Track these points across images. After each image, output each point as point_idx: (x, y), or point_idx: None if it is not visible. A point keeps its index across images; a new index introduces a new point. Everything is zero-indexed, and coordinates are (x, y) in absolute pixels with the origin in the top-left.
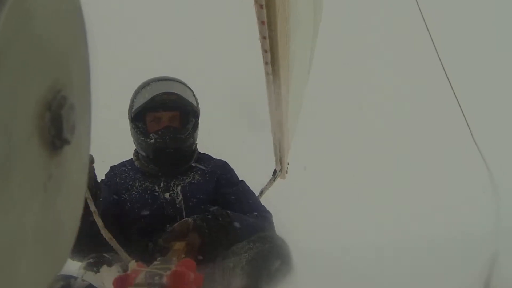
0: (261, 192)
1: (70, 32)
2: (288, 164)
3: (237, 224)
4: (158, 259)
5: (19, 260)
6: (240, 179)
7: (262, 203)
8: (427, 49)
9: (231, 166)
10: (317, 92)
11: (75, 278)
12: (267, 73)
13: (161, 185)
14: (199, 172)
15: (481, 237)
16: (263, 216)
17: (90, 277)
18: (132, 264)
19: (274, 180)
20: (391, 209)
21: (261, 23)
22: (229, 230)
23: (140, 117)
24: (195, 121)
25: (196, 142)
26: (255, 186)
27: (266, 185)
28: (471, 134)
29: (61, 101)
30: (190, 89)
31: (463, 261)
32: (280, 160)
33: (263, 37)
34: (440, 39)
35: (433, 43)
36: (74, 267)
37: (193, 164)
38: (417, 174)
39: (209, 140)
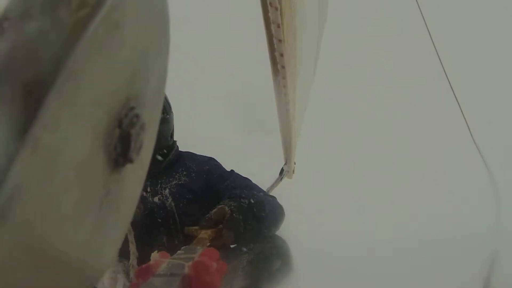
0: (267, 192)
1: (155, 44)
2: (295, 163)
3: (267, 212)
4: (182, 248)
5: (60, 276)
6: (229, 169)
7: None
8: (428, 49)
9: (226, 165)
10: (317, 92)
11: None
12: (274, 72)
13: (148, 189)
14: (184, 173)
15: (481, 237)
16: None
17: None
18: (155, 255)
19: (281, 179)
20: (391, 209)
21: (277, 26)
22: (263, 221)
23: None
24: (163, 116)
25: (175, 140)
26: (262, 185)
27: (272, 184)
28: (471, 134)
29: (133, 120)
30: None
31: (463, 261)
32: (287, 160)
33: (278, 40)
34: (441, 39)
35: (433, 44)
36: None
37: (171, 159)
38: (417, 174)
39: (212, 140)
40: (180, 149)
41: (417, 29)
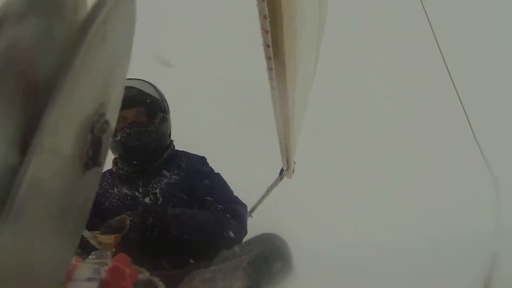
0: (267, 192)
1: (124, 54)
2: (295, 163)
3: (178, 224)
4: (93, 253)
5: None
6: (215, 172)
7: (263, 202)
8: (430, 49)
9: (227, 165)
10: (317, 91)
11: None
12: (269, 69)
13: (140, 190)
14: (175, 171)
15: (481, 237)
16: (229, 208)
17: None
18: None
19: (281, 179)
20: (391, 209)
21: (266, 25)
22: (166, 231)
23: None
24: (162, 116)
25: (172, 139)
26: (260, 186)
27: (272, 185)
28: (473, 134)
29: (103, 126)
30: (152, 85)
31: (463, 261)
32: (287, 159)
33: (265, 31)
34: (444, 38)
35: (437, 43)
36: None
37: (166, 158)
38: (417, 174)
39: (211, 141)
40: (176, 149)
41: (419, 28)
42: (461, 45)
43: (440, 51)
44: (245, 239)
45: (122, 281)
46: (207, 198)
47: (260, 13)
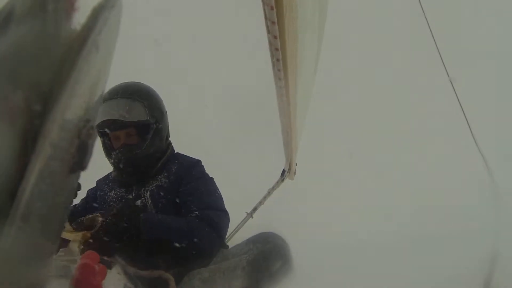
0: (269, 193)
1: (108, 61)
2: (296, 164)
3: (148, 228)
4: (61, 250)
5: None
6: (209, 177)
7: (263, 204)
8: (430, 48)
9: (228, 167)
10: (316, 91)
11: None
12: (275, 74)
13: (133, 194)
14: (165, 174)
15: (481, 236)
16: (205, 215)
17: None
18: None
19: (282, 180)
20: (391, 208)
21: (271, 23)
22: (137, 233)
23: (103, 133)
24: (155, 128)
25: (170, 142)
26: (261, 187)
27: (273, 186)
28: (471, 133)
29: (89, 131)
30: (139, 99)
31: (464, 260)
32: (289, 160)
33: (273, 37)
34: (442, 37)
35: (436, 44)
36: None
37: (160, 166)
38: (417, 172)
39: (213, 142)
40: (176, 151)
41: (417, 27)
42: (462, 44)
43: (439, 51)
44: (244, 238)
45: (92, 278)
46: (188, 202)
47: (267, 18)
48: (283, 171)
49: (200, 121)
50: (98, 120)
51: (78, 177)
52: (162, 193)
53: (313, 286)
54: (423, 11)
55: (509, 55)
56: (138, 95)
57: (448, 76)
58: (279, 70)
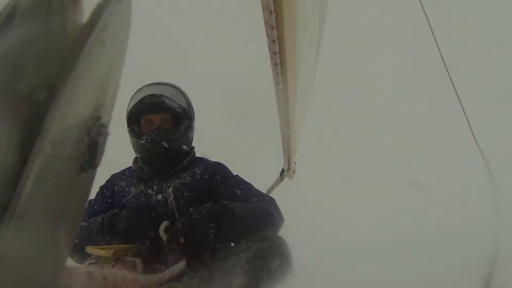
0: (268, 192)
1: (119, 58)
2: (295, 164)
3: (232, 217)
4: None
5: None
6: (234, 174)
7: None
8: (430, 48)
9: (228, 166)
10: (316, 91)
11: None
12: (275, 74)
13: (155, 188)
14: (190, 174)
15: (481, 236)
16: (264, 199)
17: None
18: None
19: (282, 179)
20: (391, 209)
21: (270, 27)
22: (221, 227)
23: (134, 121)
24: (188, 123)
25: (193, 146)
26: (261, 187)
27: (273, 185)
28: (472, 133)
29: (100, 129)
30: (181, 92)
31: (463, 260)
32: (288, 160)
33: (272, 41)
34: (443, 37)
35: (436, 43)
36: None
37: (185, 164)
38: (417, 172)
39: (212, 141)
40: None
41: (417, 26)
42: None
43: (439, 51)
44: None
45: None
46: (236, 198)
47: (266, 22)
48: (282, 170)
49: (199, 120)
50: (135, 100)
51: (92, 175)
52: (185, 191)
53: (312, 285)
54: (424, 11)
55: (510, 55)
56: (179, 87)
57: (449, 75)
58: (277, 74)
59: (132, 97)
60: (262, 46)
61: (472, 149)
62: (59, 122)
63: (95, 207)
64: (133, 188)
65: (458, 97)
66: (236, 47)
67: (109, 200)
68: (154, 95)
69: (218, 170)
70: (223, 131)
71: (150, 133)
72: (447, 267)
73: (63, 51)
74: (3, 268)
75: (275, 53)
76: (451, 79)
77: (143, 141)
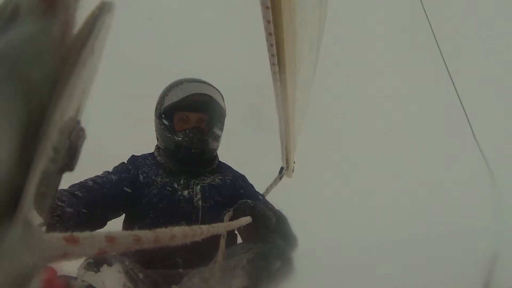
0: (267, 190)
1: (97, 65)
2: (294, 162)
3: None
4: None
5: None
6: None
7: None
8: (430, 48)
9: (227, 164)
10: (316, 90)
11: (75, 278)
12: (274, 73)
13: (181, 182)
14: (219, 177)
15: (481, 236)
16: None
17: (90, 277)
18: None
19: (281, 178)
20: (391, 208)
21: (267, 22)
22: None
23: (168, 115)
24: (220, 126)
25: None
26: (260, 185)
27: (272, 183)
28: (473, 133)
29: (79, 133)
30: (221, 94)
31: (463, 260)
32: (286, 159)
33: (270, 45)
34: (443, 37)
35: (437, 42)
36: (73, 267)
37: (214, 167)
38: (417, 172)
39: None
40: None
41: (418, 26)
42: (464, 49)
43: (440, 51)
44: None
45: None
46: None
47: (264, 17)
48: (281, 168)
49: None
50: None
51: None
52: (214, 194)
53: (312, 285)
54: (424, 11)
55: (510, 55)
56: (218, 89)
57: (449, 75)
58: (275, 72)
59: (168, 90)
60: (262, 46)
61: (472, 149)
62: (58, 126)
63: (114, 177)
64: (159, 178)
65: (459, 97)
66: (236, 46)
67: (129, 176)
68: (201, 94)
69: (246, 183)
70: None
71: (187, 131)
72: (447, 267)
73: (62, 55)
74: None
75: (272, 54)
76: (451, 79)
77: (179, 139)
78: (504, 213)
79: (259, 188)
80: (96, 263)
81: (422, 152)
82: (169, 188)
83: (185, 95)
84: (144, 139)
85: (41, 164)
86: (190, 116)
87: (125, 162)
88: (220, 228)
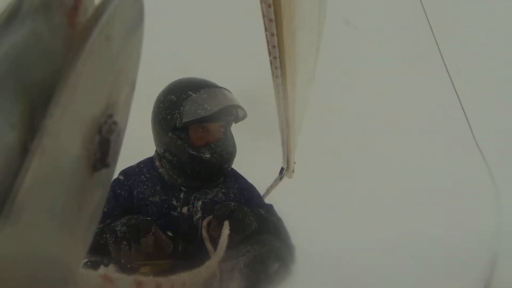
0: (267, 191)
1: (132, 54)
2: (295, 163)
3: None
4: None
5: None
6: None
7: (269, 203)
8: (430, 48)
9: (240, 171)
10: (316, 90)
11: None
12: (273, 72)
13: (181, 197)
14: (223, 190)
15: (481, 239)
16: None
17: None
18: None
19: (281, 179)
20: (391, 211)
21: (269, 20)
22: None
23: (185, 126)
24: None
25: None
26: (260, 186)
27: (272, 184)
28: (473, 136)
29: (111, 126)
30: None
31: (464, 262)
32: (287, 159)
33: (273, 46)
34: (443, 37)
35: (437, 43)
36: None
37: (221, 180)
38: (417, 175)
39: None
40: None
41: (418, 26)
42: (464, 50)
43: (440, 51)
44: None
45: None
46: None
47: (264, 15)
48: (282, 169)
49: None
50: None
51: (108, 175)
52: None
53: (311, 284)
54: (425, 11)
55: (510, 55)
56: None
57: (449, 75)
58: (276, 68)
59: (185, 98)
60: (262, 45)
61: (472, 149)
62: (59, 119)
63: (105, 209)
64: (157, 198)
65: (458, 97)
66: (235, 45)
67: (121, 200)
68: (238, 106)
69: (254, 196)
70: None
71: (212, 145)
72: (447, 267)
73: (66, 47)
74: (2, 267)
75: (274, 55)
76: (451, 79)
77: (207, 156)
78: (504, 214)
79: (259, 188)
80: (93, 264)
81: (421, 152)
82: (168, 206)
83: (217, 108)
84: (144, 139)
85: (38, 157)
86: (209, 126)
87: (114, 184)
88: (214, 262)
